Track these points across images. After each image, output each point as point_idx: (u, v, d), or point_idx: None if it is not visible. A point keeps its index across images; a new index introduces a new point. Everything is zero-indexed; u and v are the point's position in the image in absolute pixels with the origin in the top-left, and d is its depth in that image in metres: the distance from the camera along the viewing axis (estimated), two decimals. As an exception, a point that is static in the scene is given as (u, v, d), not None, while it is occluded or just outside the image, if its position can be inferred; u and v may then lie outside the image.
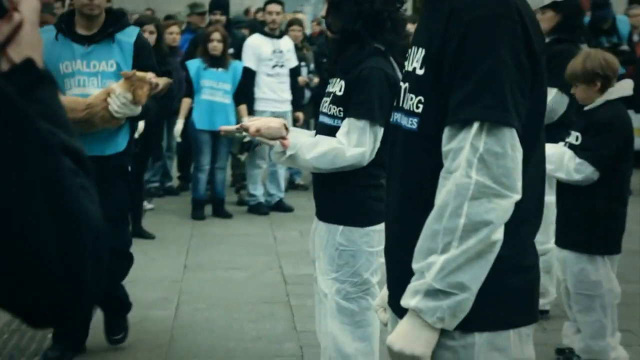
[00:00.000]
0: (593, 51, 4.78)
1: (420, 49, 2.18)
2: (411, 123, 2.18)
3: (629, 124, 4.65)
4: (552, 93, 5.31)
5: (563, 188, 4.71)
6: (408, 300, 2.07)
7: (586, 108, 4.68)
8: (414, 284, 2.07)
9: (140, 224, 7.92)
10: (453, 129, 2.04)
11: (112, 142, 4.60)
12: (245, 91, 8.77)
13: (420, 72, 2.16)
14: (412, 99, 2.18)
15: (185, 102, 8.59)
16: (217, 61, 8.46)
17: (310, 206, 3.87)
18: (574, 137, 4.62)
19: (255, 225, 8.51)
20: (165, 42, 9.18)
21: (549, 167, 4.57)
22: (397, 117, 2.27)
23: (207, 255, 7.29)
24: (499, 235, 2.02)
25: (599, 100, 4.60)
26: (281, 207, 9.13)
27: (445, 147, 2.06)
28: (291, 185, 10.23)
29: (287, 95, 9.14)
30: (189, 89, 8.53)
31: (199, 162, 8.76)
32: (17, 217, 1.04)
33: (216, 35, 8.46)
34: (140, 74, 4.33)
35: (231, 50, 8.96)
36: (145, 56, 4.61)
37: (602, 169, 4.45)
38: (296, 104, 9.43)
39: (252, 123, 3.41)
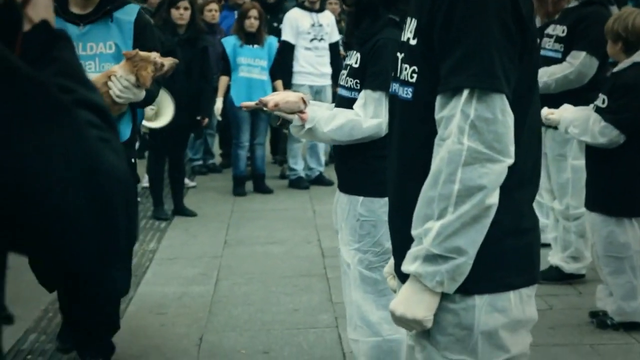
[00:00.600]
0: (629, 12, 4.69)
1: (413, 20, 2.22)
2: (406, 93, 2.23)
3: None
4: (580, 56, 5.30)
5: (590, 151, 4.72)
6: (408, 265, 2.13)
7: (614, 70, 4.67)
8: (413, 250, 2.12)
9: (182, 202, 8.05)
10: (444, 97, 2.08)
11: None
12: (282, 65, 8.84)
13: (413, 42, 2.20)
14: (406, 69, 2.23)
15: (223, 80, 8.67)
16: (252, 38, 8.52)
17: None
18: (601, 99, 4.61)
19: (295, 200, 8.60)
20: (204, 18, 9.30)
21: (573, 130, 4.59)
22: (394, 87, 2.31)
23: (247, 231, 7.39)
24: (493, 199, 2.06)
25: (627, 62, 4.58)
26: (321, 180, 9.20)
27: (437, 115, 2.10)
28: (331, 159, 10.29)
29: (326, 69, 9.17)
30: (226, 66, 8.61)
31: (238, 139, 8.85)
32: (40, 174, 1.10)
33: (253, 12, 8.51)
34: (143, 53, 3.90)
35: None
36: (147, 36, 4.17)
37: (627, 132, 4.45)
38: (336, 78, 9.45)
39: (270, 97, 3.47)
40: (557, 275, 5.62)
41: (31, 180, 1.09)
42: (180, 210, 7.96)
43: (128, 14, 4.14)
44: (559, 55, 5.47)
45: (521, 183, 2.20)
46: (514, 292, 2.20)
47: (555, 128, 5.03)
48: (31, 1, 1.31)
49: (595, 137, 4.51)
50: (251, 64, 8.60)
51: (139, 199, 8.38)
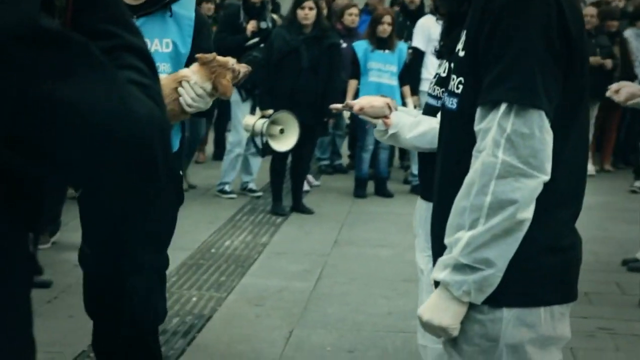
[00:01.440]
0: None
1: (464, 32, 2.26)
2: (452, 103, 2.27)
3: None
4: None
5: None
6: (437, 273, 2.17)
7: None
8: (443, 258, 2.16)
9: (301, 199, 8.21)
10: (483, 109, 2.10)
11: None
12: (411, 71, 8.87)
13: (461, 54, 2.24)
14: (454, 79, 2.26)
15: (352, 83, 8.78)
16: (384, 43, 8.60)
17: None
18: None
19: (413, 205, 8.52)
20: (343, 22, 9.44)
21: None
22: (444, 98, 2.35)
23: (359, 232, 7.48)
24: (526, 214, 2.07)
25: None
26: (443, 189, 9.16)
27: (476, 127, 2.13)
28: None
29: (455, 78, 9.12)
30: (356, 70, 8.71)
31: (363, 142, 8.95)
32: (93, 105, 1.22)
33: (387, 19, 8.59)
34: (220, 58, 3.39)
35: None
36: (205, 36, 3.69)
37: None
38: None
39: (356, 101, 3.54)
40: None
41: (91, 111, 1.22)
42: (298, 207, 8.12)
43: (186, 8, 3.62)
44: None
45: (561, 202, 2.20)
46: (545, 308, 2.19)
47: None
48: None
49: None
50: (381, 69, 8.67)
51: (260, 193, 8.63)
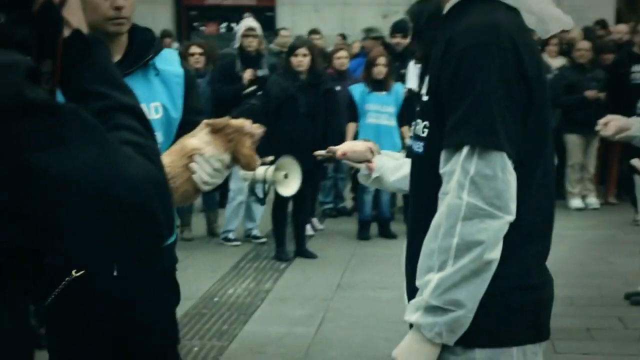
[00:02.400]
0: None
1: (427, 76, 2.30)
2: (418, 147, 2.31)
3: None
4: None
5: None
6: (410, 315, 2.20)
7: None
8: (414, 300, 2.19)
9: (304, 244, 8.23)
10: (447, 152, 2.14)
11: None
12: (409, 112, 8.92)
13: (425, 98, 2.28)
14: (419, 123, 2.30)
15: (351, 126, 8.84)
16: (380, 85, 8.67)
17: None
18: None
19: (416, 246, 8.60)
20: (334, 66, 9.56)
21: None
22: (410, 141, 2.39)
23: (363, 275, 7.48)
24: (493, 254, 2.10)
25: None
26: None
27: (441, 170, 2.16)
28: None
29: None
30: (354, 113, 8.78)
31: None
32: (69, 181, 1.23)
33: (381, 60, 8.67)
34: (235, 122, 2.81)
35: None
36: (196, 94, 3.16)
37: None
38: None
39: (339, 147, 3.58)
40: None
41: (58, 183, 1.22)
42: (302, 252, 8.15)
43: (170, 62, 3.07)
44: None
45: (529, 240, 2.23)
46: (518, 348, 2.21)
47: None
48: (66, 2, 1.39)
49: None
50: (379, 111, 8.73)
51: (264, 240, 8.65)
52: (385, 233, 9.04)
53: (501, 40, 2.10)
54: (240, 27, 8.85)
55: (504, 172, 2.08)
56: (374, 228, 9.08)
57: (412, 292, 2.30)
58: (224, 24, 18.78)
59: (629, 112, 6.21)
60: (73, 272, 2.70)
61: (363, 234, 8.97)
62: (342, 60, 9.69)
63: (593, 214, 9.89)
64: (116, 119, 1.36)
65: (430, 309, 2.13)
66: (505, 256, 2.11)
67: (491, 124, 2.07)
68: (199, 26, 19.24)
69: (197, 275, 7.22)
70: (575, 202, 10.00)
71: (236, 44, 8.81)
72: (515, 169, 2.12)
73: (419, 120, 2.31)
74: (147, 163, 1.32)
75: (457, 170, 2.10)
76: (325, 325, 6.08)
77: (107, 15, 2.83)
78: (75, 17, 1.41)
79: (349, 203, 10.52)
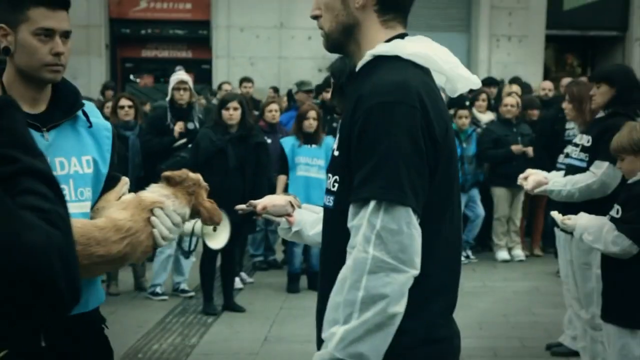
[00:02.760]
0: (638, 124, 4.77)
1: (338, 133, 2.35)
2: (329, 201, 2.34)
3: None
4: (603, 166, 5.29)
5: (606, 261, 4.68)
6: None
7: (629, 181, 4.66)
8: (319, 353, 2.22)
9: (232, 298, 8.17)
10: (355, 207, 2.18)
11: (94, 288, 2.89)
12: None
13: (336, 153, 2.32)
14: (329, 178, 2.34)
15: (281, 179, 8.87)
16: (311, 138, 8.73)
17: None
18: (615, 210, 4.59)
19: (345, 299, 8.61)
20: (265, 118, 9.63)
21: (588, 237, 4.59)
22: (324, 196, 2.43)
23: (290, 328, 7.45)
24: (397, 308, 2.13)
25: (640, 174, 4.57)
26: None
27: (349, 224, 2.20)
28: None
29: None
30: (284, 166, 8.82)
31: (294, 236, 8.96)
32: None
33: (312, 114, 8.74)
34: (193, 175, 2.85)
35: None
36: (117, 147, 3.01)
37: (641, 243, 4.40)
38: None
39: (259, 201, 3.60)
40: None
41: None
42: (230, 306, 8.09)
43: (96, 115, 2.95)
44: (584, 165, 5.49)
45: (435, 294, 2.27)
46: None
47: (571, 234, 5.01)
48: None
49: (608, 245, 4.48)
50: (309, 163, 8.78)
51: (192, 293, 8.57)
52: (315, 285, 9.01)
53: (408, 98, 2.15)
54: (171, 80, 8.85)
55: (409, 227, 2.12)
56: (303, 281, 9.07)
57: (320, 344, 2.32)
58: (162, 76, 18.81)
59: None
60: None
61: (292, 287, 8.95)
62: (273, 113, 9.76)
63: (519, 265, 10.02)
64: (23, 183, 1.34)
65: None
66: (411, 310, 2.15)
67: (397, 179, 2.12)
68: (135, 78, 19.19)
69: (123, 331, 7.10)
70: (502, 254, 10.13)
71: (168, 97, 8.80)
72: (422, 224, 2.17)
73: (330, 175, 2.36)
74: (50, 229, 1.29)
75: (363, 224, 2.13)
76: (251, 379, 6.03)
77: (44, 60, 2.72)
78: None
79: (279, 256, 10.50)
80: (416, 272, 2.14)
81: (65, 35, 2.76)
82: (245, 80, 12.94)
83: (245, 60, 17.39)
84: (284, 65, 17.52)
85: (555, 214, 4.85)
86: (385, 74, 2.22)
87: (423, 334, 2.24)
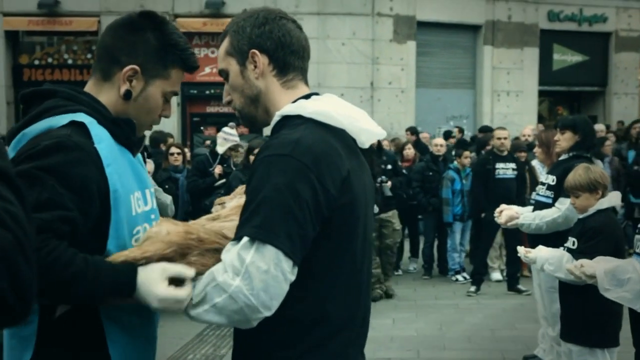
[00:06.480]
0: (590, 165, 4.42)
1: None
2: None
3: (619, 229, 4.22)
4: (566, 202, 4.92)
5: (565, 286, 4.30)
6: None
7: (581, 216, 4.30)
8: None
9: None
10: (231, 245, 1.87)
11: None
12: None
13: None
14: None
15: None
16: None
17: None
18: (571, 242, 4.25)
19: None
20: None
21: (549, 267, 4.22)
22: None
23: None
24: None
25: (592, 209, 4.21)
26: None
27: (222, 256, 1.89)
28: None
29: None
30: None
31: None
32: None
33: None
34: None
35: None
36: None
37: (595, 271, 4.01)
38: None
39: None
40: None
41: None
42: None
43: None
44: (550, 201, 5.18)
45: (336, 333, 1.96)
46: None
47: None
48: None
49: (568, 274, 4.09)
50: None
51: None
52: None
53: (296, 152, 1.85)
54: (227, 137, 8.59)
55: (276, 268, 1.81)
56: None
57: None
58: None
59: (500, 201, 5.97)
60: None
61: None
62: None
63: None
64: None
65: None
66: (317, 352, 1.87)
67: (270, 222, 1.81)
68: (202, 129, 19.26)
69: (166, 342, 6.81)
70: (495, 275, 9.70)
71: (219, 148, 8.57)
72: (320, 269, 1.89)
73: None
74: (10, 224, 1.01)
75: (235, 256, 1.83)
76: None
77: (155, 120, 2.23)
78: None
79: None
80: (269, 314, 1.82)
81: None
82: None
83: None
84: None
85: (519, 249, 4.46)
86: (285, 132, 1.94)
87: None
